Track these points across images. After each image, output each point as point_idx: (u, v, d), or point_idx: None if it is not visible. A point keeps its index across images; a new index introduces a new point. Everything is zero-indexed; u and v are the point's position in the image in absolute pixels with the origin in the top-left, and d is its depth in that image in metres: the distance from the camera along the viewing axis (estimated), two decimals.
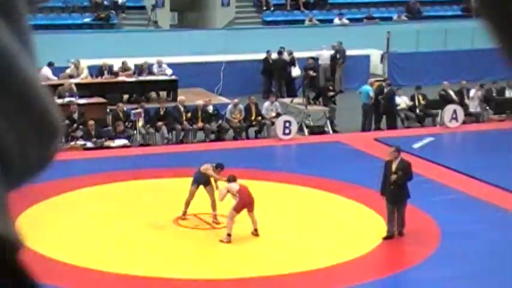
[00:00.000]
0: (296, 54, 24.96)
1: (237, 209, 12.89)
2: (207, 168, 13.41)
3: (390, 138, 19.66)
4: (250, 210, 12.98)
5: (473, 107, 22.20)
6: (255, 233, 13.08)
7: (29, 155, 0.45)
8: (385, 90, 21.55)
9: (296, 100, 22.32)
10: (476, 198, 15.11)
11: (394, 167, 12.71)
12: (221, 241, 12.73)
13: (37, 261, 11.97)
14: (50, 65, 22.00)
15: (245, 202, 12.85)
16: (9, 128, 0.43)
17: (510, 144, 19.34)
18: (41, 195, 14.97)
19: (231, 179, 13.09)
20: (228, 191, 12.91)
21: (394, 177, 12.60)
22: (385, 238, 12.62)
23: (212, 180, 13.48)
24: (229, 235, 12.71)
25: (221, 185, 13.31)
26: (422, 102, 21.82)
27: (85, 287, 11.10)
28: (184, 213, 13.62)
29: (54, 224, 13.57)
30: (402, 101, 21.92)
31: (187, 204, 13.50)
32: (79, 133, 18.72)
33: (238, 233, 13.17)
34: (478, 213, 14.30)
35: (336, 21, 30.14)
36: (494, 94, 22.69)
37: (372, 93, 21.19)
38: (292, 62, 24.99)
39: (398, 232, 12.67)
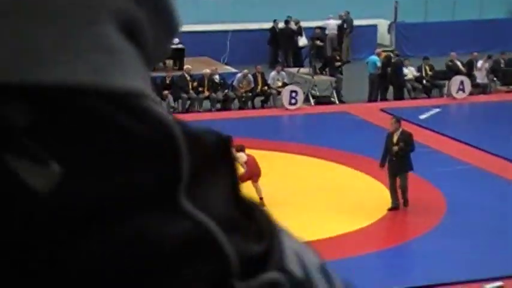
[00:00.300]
0: (303, 24, 24.82)
1: (243, 179, 12.90)
2: None
3: (396, 109, 19.60)
4: (256, 180, 12.99)
5: (481, 78, 22.10)
6: (261, 201, 13.11)
7: (157, 52, 0.47)
8: (393, 60, 21.47)
9: (302, 70, 22.24)
10: (483, 169, 15.10)
11: (395, 138, 12.66)
12: None
13: None
14: None
15: (252, 172, 12.87)
16: (150, 23, 0.44)
17: None
18: None
19: (239, 149, 13.09)
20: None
21: (395, 148, 12.56)
22: (390, 209, 12.64)
23: None
24: None
25: None
26: (430, 73, 21.73)
27: None
28: None
29: None
30: (409, 72, 21.84)
31: None
32: None
33: None
34: (484, 184, 14.30)
35: None
36: (502, 65, 22.57)
37: (379, 64, 21.10)
38: (299, 32, 24.86)
39: (404, 201, 12.65)
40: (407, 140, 12.71)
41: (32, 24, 0.41)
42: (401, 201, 12.78)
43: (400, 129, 12.81)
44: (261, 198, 13.16)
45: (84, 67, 0.42)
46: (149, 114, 0.43)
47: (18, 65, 0.40)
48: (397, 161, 12.61)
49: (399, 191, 12.74)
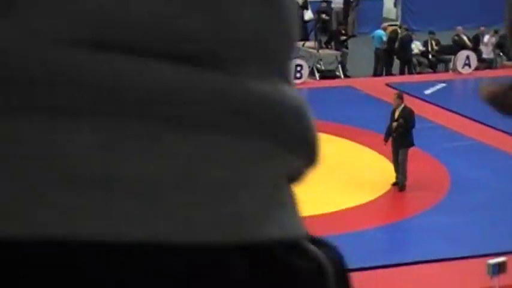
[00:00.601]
0: None
1: None
2: None
3: (402, 84, 19.55)
4: None
5: (487, 53, 21.99)
6: None
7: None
8: (400, 35, 21.36)
9: (308, 44, 22.15)
10: (488, 145, 15.07)
11: (396, 114, 12.63)
12: None
13: None
14: None
15: None
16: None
17: None
18: None
19: None
20: None
21: (395, 124, 12.52)
22: (394, 184, 12.64)
23: None
24: None
25: None
26: (435, 47, 21.62)
27: None
28: None
29: None
30: (415, 46, 21.73)
31: None
32: None
33: None
34: (489, 160, 14.27)
35: None
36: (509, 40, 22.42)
37: (384, 38, 20.98)
38: (305, 5, 24.71)
39: (401, 185, 12.51)
40: (407, 116, 12.63)
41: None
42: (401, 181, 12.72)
43: (402, 105, 12.77)
44: None
45: (289, 221, 0.45)
46: (309, 254, 0.45)
47: (240, 224, 0.41)
48: (397, 136, 12.58)
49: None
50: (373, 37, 21.32)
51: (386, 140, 12.72)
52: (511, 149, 14.83)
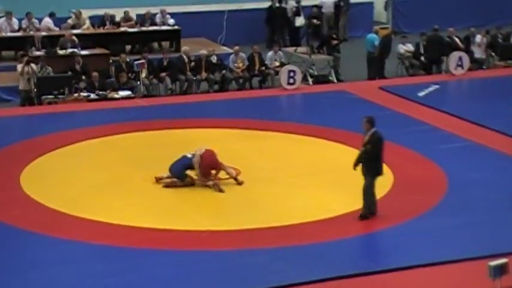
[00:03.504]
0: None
1: (205, 174, 12.98)
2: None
3: (395, 87, 19.55)
4: (218, 170, 13.01)
5: (479, 53, 22.01)
6: (238, 181, 13.09)
7: None
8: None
9: (300, 49, 22.14)
10: (483, 145, 15.05)
11: (366, 138, 11.66)
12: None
13: (42, 214, 11.99)
14: (51, 15, 21.80)
15: (208, 164, 12.92)
16: None
17: None
18: (45, 147, 14.94)
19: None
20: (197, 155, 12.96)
21: (362, 149, 11.59)
22: (360, 216, 11.61)
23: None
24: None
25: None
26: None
27: (91, 238, 11.11)
28: None
29: (59, 176, 13.55)
30: (407, 49, 21.73)
31: None
32: (82, 84, 18.61)
33: (244, 185, 13.17)
34: (485, 160, 14.25)
35: None
36: (499, 40, 22.46)
37: (376, 42, 20.95)
38: (298, 12, 24.70)
39: (362, 216, 11.53)
40: (375, 142, 11.56)
41: None
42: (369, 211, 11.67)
43: (372, 130, 11.60)
44: (235, 179, 13.11)
45: None
46: None
47: None
48: (365, 162, 11.59)
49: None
50: (366, 42, 21.27)
51: (355, 166, 11.63)
52: (506, 148, 14.82)
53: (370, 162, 11.55)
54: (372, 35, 21.28)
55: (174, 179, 13.00)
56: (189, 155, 13.07)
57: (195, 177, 13.04)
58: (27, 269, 10.21)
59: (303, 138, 15.59)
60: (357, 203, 11.73)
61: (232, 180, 13.25)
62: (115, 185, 13.10)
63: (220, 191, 12.78)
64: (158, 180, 13.09)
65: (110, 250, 10.76)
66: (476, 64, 21.72)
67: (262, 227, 11.43)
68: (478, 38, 22.05)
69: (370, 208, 11.61)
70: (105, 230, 11.42)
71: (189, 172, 13.04)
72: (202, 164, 12.96)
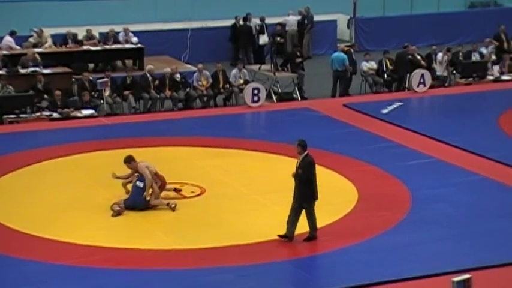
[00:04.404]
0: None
1: (162, 187, 12.97)
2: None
3: (359, 104, 19.67)
4: (164, 188, 13.01)
5: (440, 70, 22.26)
6: (171, 207, 12.79)
7: None
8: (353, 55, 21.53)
9: (264, 67, 22.20)
10: (446, 162, 15.18)
11: (298, 162, 11.47)
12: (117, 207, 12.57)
13: (2, 234, 11.80)
14: (12, 33, 21.57)
15: (163, 180, 12.93)
16: None
17: (477, 108, 19.47)
18: (7, 166, 14.75)
19: (131, 159, 12.93)
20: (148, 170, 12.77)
21: (293, 173, 11.38)
22: (281, 236, 11.37)
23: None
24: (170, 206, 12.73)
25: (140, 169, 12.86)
26: (390, 67, 21.81)
27: (53, 259, 10.96)
28: None
29: (20, 196, 13.38)
30: (370, 66, 21.88)
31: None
32: (44, 103, 18.43)
33: (208, 203, 13.13)
34: (448, 177, 14.37)
35: None
36: (460, 58, 22.75)
37: (346, 62, 20.99)
38: (262, 30, 24.79)
39: (311, 236, 11.37)
40: (306, 167, 11.37)
41: None
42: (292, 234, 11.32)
43: (304, 154, 11.41)
44: (168, 204, 12.86)
45: None
46: None
47: None
48: (298, 186, 11.35)
49: (296, 222, 11.36)
50: (332, 61, 21.17)
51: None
52: (468, 165, 14.97)
53: (304, 187, 11.32)
54: (340, 54, 21.21)
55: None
56: (138, 183, 12.81)
57: (149, 198, 12.76)
58: None
59: (266, 155, 15.60)
60: (321, 220, 11.74)
61: (196, 198, 13.20)
62: (78, 205, 12.96)
63: (173, 209, 12.68)
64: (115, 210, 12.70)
65: (72, 270, 10.62)
66: (438, 81, 21.95)
67: (227, 245, 11.38)
68: (440, 55, 22.30)
69: (288, 231, 11.34)
70: (67, 250, 11.28)
71: (145, 195, 12.80)
72: (161, 181, 12.93)
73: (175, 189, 13.34)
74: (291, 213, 11.43)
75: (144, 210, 12.67)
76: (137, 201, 12.70)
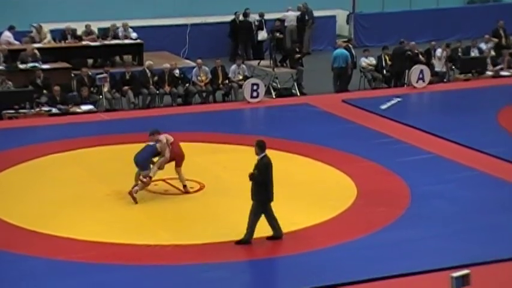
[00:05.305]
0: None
1: (170, 158, 13.10)
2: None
3: (358, 100, 19.68)
4: (179, 164, 13.18)
5: (439, 66, 22.26)
6: (185, 189, 13.21)
7: None
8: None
9: (263, 62, 22.20)
10: (445, 157, 15.19)
11: (255, 163, 11.21)
12: (141, 181, 12.82)
13: (2, 230, 11.81)
14: (11, 28, 21.58)
15: (176, 154, 13.10)
16: None
17: (476, 104, 19.48)
18: (6, 162, 14.76)
19: (156, 132, 13.22)
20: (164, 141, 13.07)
21: (249, 173, 11.06)
22: (268, 238, 11.24)
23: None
24: (150, 177, 12.92)
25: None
26: (389, 62, 21.81)
27: (52, 254, 10.98)
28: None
29: (20, 191, 13.39)
30: (369, 62, 21.88)
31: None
32: (44, 99, 18.44)
33: (207, 199, 13.14)
34: (446, 172, 14.38)
35: None
36: (459, 53, 22.75)
37: (349, 59, 20.95)
38: (261, 26, 24.78)
39: (244, 241, 11.11)
40: (262, 169, 10.99)
41: None
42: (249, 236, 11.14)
43: (261, 155, 11.11)
44: (184, 186, 13.27)
45: None
46: None
47: None
48: (253, 187, 11.11)
49: (255, 224, 11.13)
50: (334, 58, 21.02)
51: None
52: (467, 161, 14.98)
53: (258, 188, 11.10)
54: (343, 51, 21.14)
55: (140, 181, 12.89)
56: (152, 143, 13.10)
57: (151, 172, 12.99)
58: None
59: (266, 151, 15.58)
60: (320, 216, 11.74)
61: (195, 194, 13.21)
62: (77, 200, 12.97)
63: (187, 191, 13.05)
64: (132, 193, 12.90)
65: (71, 265, 10.63)
66: (437, 77, 21.96)
67: (226, 241, 11.39)
68: (439, 51, 22.30)
69: (246, 235, 11.18)
70: (66, 245, 11.29)
71: (155, 160, 13.10)
72: (173, 150, 13.07)
73: (184, 186, 13.35)
74: (264, 216, 11.21)
75: (140, 170, 12.91)
76: (143, 160, 12.89)
